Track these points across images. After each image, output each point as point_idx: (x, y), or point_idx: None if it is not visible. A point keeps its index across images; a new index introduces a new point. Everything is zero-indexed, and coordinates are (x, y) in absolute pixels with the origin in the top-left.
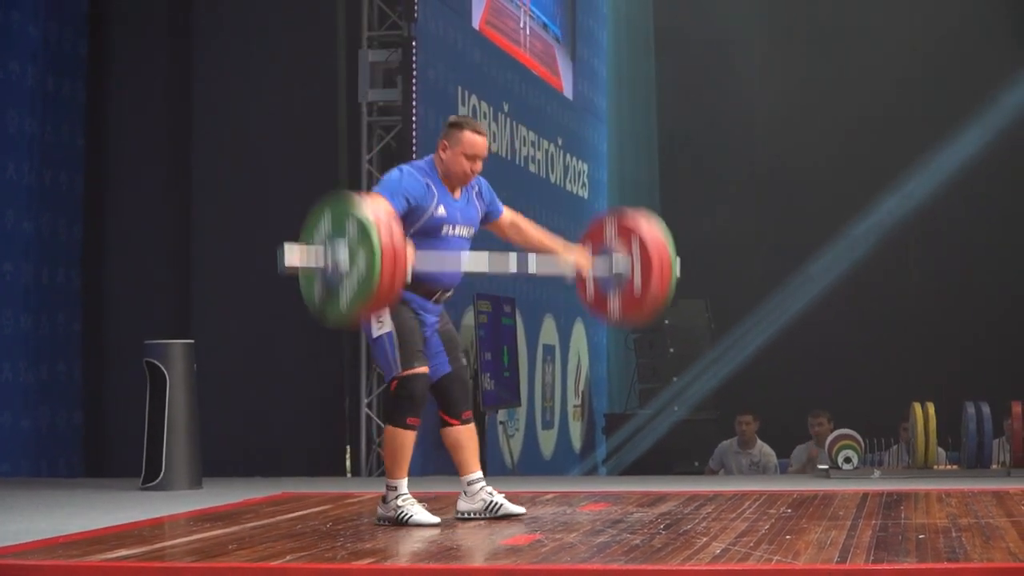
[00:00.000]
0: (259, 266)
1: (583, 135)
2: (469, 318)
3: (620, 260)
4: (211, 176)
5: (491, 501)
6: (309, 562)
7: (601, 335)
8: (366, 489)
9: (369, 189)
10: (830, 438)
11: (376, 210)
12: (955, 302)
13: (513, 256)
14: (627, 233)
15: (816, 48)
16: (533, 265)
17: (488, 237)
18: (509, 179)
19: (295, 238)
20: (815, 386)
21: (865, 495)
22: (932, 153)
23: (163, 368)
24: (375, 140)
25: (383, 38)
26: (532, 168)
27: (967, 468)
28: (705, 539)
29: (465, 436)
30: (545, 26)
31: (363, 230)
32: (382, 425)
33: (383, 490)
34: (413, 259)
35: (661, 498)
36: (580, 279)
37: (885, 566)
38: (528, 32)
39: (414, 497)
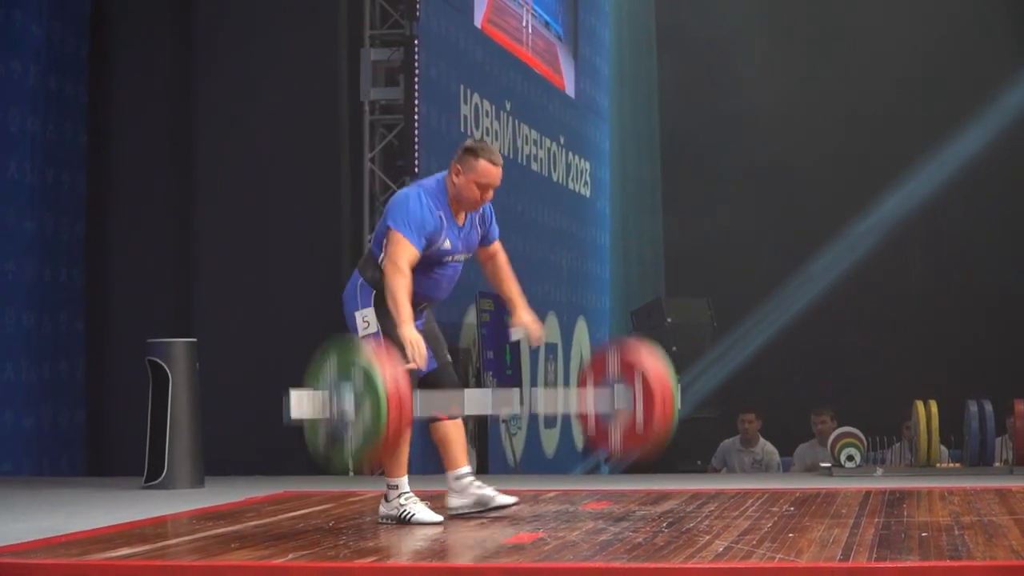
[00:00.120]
0: (261, 264)
1: (585, 133)
2: (471, 317)
3: (622, 394)
4: (213, 175)
5: (482, 494)
6: (311, 561)
7: (604, 333)
8: (368, 488)
9: (370, 188)
10: (832, 436)
11: (381, 358)
12: (957, 300)
13: (515, 393)
14: (630, 367)
15: (817, 47)
16: (541, 404)
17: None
18: (511, 178)
19: (296, 236)
20: (817, 384)
21: (868, 493)
22: (933, 152)
23: (165, 367)
24: (377, 139)
25: (385, 37)
26: (534, 166)
27: (969, 466)
28: (708, 537)
29: (453, 431)
30: (547, 24)
31: (369, 379)
32: None
33: (384, 489)
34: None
35: (663, 496)
36: (582, 416)
37: (888, 564)
38: (530, 31)
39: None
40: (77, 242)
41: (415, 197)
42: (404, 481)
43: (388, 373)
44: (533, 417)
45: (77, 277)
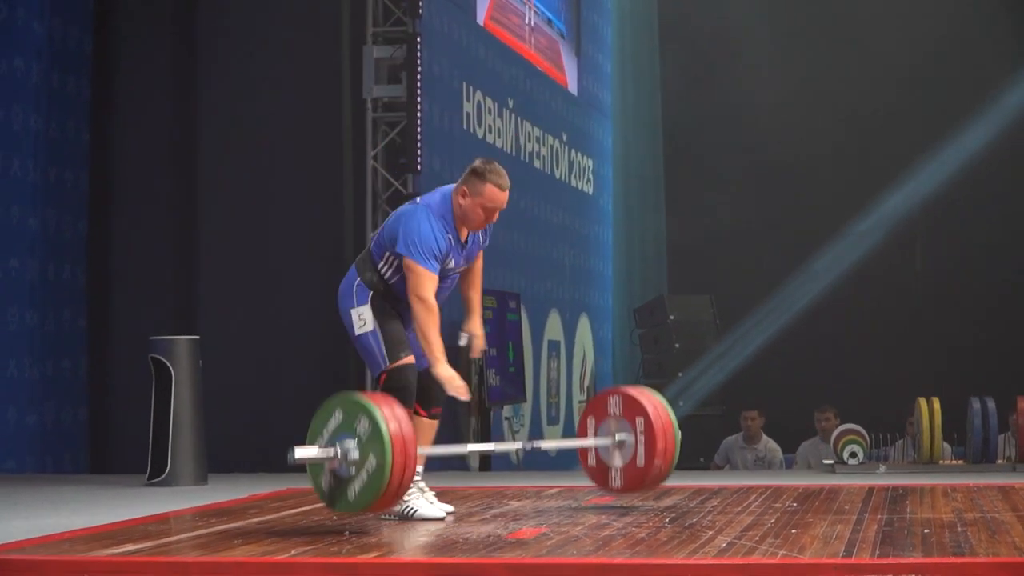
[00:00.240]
0: (264, 261)
1: (588, 131)
2: None
3: (624, 436)
4: (216, 172)
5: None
6: (315, 557)
7: (607, 331)
8: None
9: (373, 185)
10: (835, 433)
11: (385, 404)
12: (960, 297)
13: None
14: (632, 410)
15: (820, 45)
16: (544, 444)
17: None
18: (514, 175)
19: (299, 234)
20: (820, 382)
21: (870, 490)
22: (938, 149)
23: (168, 364)
24: (380, 136)
25: (388, 34)
26: (537, 164)
27: (972, 463)
28: (711, 533)
29: (425, 429)
30: (550, 22)
31: (375, 427)
32: None
33: None
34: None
35: (666, 492)
36: (582, 453)
37: (891, 560)
38: (533, 28)
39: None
40: (80, 240)
41: (424, 221)
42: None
43: (392, 421)
44: (536, 414)
45: (80, 275)
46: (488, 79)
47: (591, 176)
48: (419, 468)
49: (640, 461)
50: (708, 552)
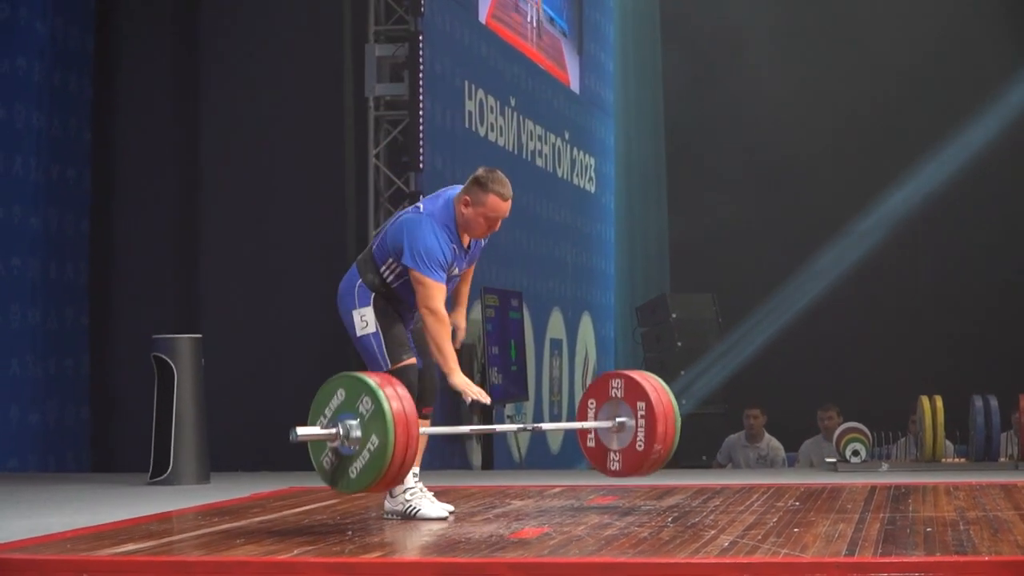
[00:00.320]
0: (266, 260)
1: (590, 129)
2: (476, 312)
3: (625, 419)
4: (218, 171)
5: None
6: (317, 556)
7: (609, 329)
8: None
9: (375, 184)
10: (838, 431)
11: (388, 384)
12: (963, 295)
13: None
14: (633, 393)
15: (823, 42)
16: (545, 426)
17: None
18: (516, 174)
19: (301, 232)
20: (823, 380)
21: (873, 488)
22: (941, 146)
23: (171, 363)
24: (382, 134)
25: (390, 32)
26: (539, 162)
27: (975, 461)
28: (713, 532)
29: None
30: (552, 20)
31: (377, 406)
32: None
33: None
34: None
35: (669, 491)
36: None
37: (893, 559)
38: (535, 26)
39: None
40: (82, 238)
41: (431, 234)
42: (410, 476)
43: (395, 401)
44: (539, 413)
45: (82, 273)
46: (490, 77)
47: (593, 174)
48: (415, 470)
49: (640, 445)
50: (711, 551)
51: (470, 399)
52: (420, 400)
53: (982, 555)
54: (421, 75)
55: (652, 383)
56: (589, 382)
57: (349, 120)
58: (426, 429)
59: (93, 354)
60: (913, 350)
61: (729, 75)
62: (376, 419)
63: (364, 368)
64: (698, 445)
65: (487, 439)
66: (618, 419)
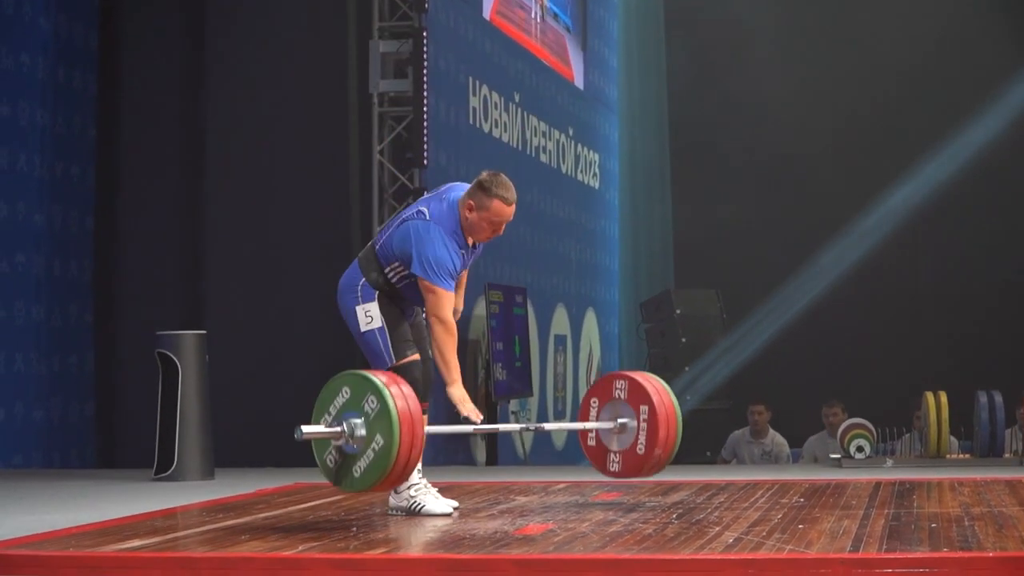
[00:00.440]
0: (270, 256)
1: (594, 125)
2: (480, 308)
3: (627, 420)
4: (222, 167)
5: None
6: (322, 552)
7: (613, 325)
8: None
9: (379, 180)
10: (842, 427)
11: (393, 383)
12: (966, 291)
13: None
14: (637, 396)
15: (826, 38)
16: (548, 426)
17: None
18: (520, 170)
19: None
20: (827, 376)
21: (878, 484)
22: (941, 145)
23: (175, 359)
24: (386, 131)
25: (394, 29)
26: (543, 158)
27: (979, 457)
28: (718, 528)
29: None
30: (556, 16)
31: (383, 405)
32: None
33: None
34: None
35: (673, 487)
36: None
37: (898, 555)
38: (539, 22)
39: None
40: (86, 235)
41: (440, 244)
42: (414, 473)
43: (400, 399)
44: (543, 409)
45: (86, 270)
46: (494, 74)
47: (597, 170)
48: (418, 466)
49: (640, 448)
50: (715, 548)
51: (463, 414)
52: (419, 396)
53: (987, 551)
54: (425, 71)
55: (656, 386)
56: (593, 378)
57: (353, 116)
58: (430, 429)
59: (97, 351)
60: (917, 346)
61: (733, 72)
62: (382, 418)
63: (367, 365)
64: (702, 441)
65: (492, 435)
66: (620, 420)
